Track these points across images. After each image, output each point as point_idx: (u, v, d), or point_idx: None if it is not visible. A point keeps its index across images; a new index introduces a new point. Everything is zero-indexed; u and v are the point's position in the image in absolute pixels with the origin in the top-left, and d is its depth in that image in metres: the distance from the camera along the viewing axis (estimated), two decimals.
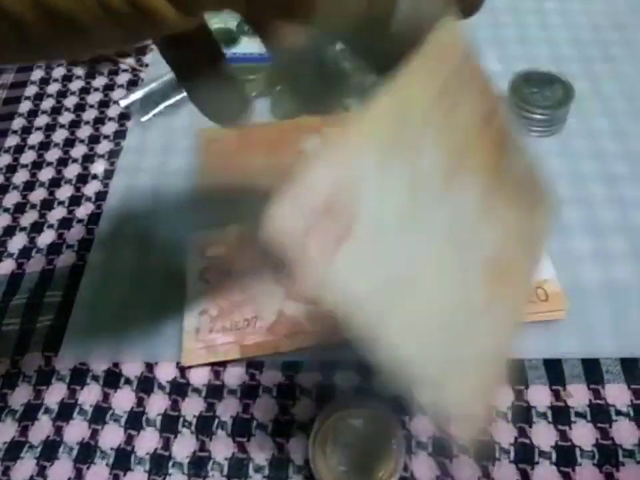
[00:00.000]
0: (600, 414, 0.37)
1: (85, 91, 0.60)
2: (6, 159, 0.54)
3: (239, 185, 0.49)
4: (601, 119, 0.51)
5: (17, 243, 0.49)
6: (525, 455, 0.36)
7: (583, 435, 0.37)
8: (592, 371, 0.39)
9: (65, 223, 0.49)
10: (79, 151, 0.54)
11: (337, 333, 0.36)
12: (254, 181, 0.49)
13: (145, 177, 0.51)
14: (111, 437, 0.39)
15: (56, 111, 0.58)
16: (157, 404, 0.40)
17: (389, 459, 0.35)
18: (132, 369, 0.41)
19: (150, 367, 0.41)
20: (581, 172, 0.48)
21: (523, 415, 0.37)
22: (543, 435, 0.37)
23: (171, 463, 0.37)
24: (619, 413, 0.37)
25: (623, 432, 0.36)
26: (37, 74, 0.62)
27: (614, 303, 0.41)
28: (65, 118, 0.57)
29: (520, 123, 0.50)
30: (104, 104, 0.58)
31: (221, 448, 0.38)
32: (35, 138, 0.56)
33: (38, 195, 0.52)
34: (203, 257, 0.45)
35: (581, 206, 0.46)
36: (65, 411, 0.40)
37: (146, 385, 0.41)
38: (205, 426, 0.38)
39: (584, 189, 0.47)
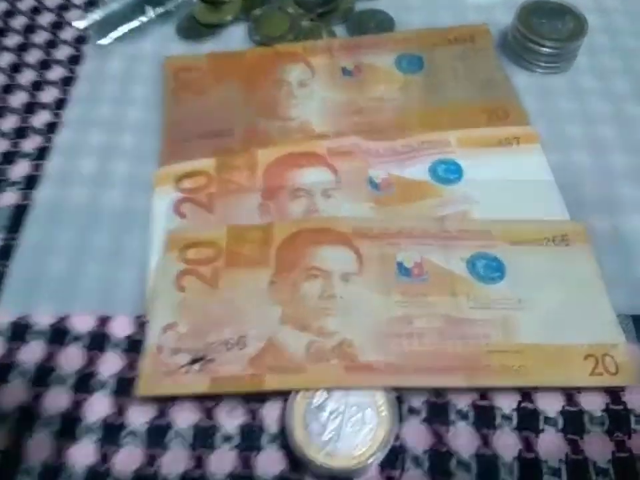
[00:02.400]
0: None
1: (35, 10, 0.53)
2: None
3: (213, 117, 0.43)
4: (613, 57, 0.47)
5: None
6: (528, 421, 0.32)
7: (590, 401, 0.33)
8: None
9: (9, 157, 0.43)
10: (27, 77, 0.48)
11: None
12: (230, 113, 0.43)
13: (103, 107, 0.46)
14: (56, 401, 0.33)
15: (1, 32, 0.51)
16: (111, 364, 0.35)
17: (377, 427, 0.31)
18: (82, 323, 0.36)
19: (103, 321, 0.36)
20: (591, 113, 0.44)
21: None
22: (549, 399, 0.33)
23: (124, 432, 0.32)
24: None
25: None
26: None
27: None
28: (12, 40, 0.50)
29: (526, 57, 0.45)
30: (57, 25, 0.51)
31: (185, 415, 0.33)
32: None
33: None
34: (174, 190, 0.40)
35: (591, 150, 0.42)
36: (2, 372, 0.34)
37: (98, 341, 0.35)
38: None
39: (594, 131, 0.43)
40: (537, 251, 0.36)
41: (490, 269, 0.36)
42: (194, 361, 0.33)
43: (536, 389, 0.33)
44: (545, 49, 0.44)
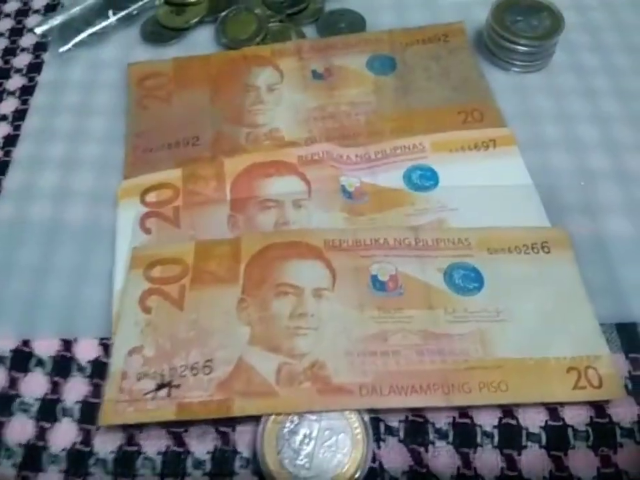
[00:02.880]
0: None
1: None
2: None
3: (178, 125, 0.42)
4: (590, 54, 0.45)
5: None
6: (510, 438, 0.31)
7: (574, 414, 0.32)
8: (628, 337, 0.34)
9: None
10: None
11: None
12: (197, 120, 0.42)
13: (63, 117, 0.44)
14: (19, 430, 0.32)
15: None
16: (76, 390, 0.33)
17: (352, 451, 0.29)
18: (45, 347, 0.35)
19: (68, 344, 0.34)
20: (570, 112, 0.42)
21: None
22: (532, 414, 0.32)
23: (91, 461, 0.31)
24: None
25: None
26: None
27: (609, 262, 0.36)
28: None
29: (501, 55, 0.43)
30: (16, 32, 0.49)
31: (154, 441, 0.31)
32: None
33: None
34: (139, 204, 0.38)
35: (570, 150, 0.41)
36: None
37: (62, 366, 0.34)
38: None
39: (573, 131, 0.41)
40: (516, 259, 0.35)
41: (468, 280, 0.34)
42: (159, 387, 0.31)
43: (517, 404, 0.32)
44: (520, 47, 0.42)
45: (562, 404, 0.32)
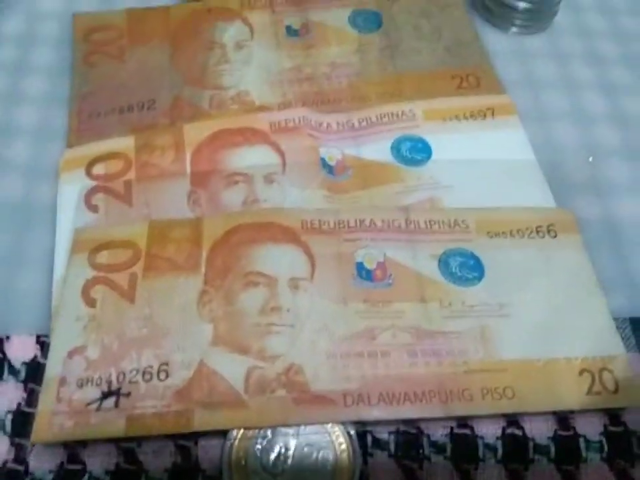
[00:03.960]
0: None
1: None
2: None
3: (132, 87, 0.36)
4: (596, 16, 0.41)
5: None
6: (516, 451, 0.27)
7: (585, 423, 0.28)
8: None
9: None
10: None
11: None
12: (153, 81, 0.36)
13: None
14: None
15: None
16: (8, 397, 0.28)
17: (335, 471, 0.25)
18: None
19: None
20: (575, 79, 0.38)
21: None
22: (539, 423, 0.28)
23: None
24: None
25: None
26: None
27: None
28: None
29: (499, 13, 0.39)
30: None
31: (100, 457, 0.27)
32: None
33: None
34: (85, 177, 0.33)
35: (575, 122, 0.37)
36: None
37: None
38: None
39: (578, 101, 0.37)
40: (520, 244, 0.31)
41: (466, 268, 0.30)
42: (105, 396, 0.26)
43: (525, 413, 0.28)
44: (521, 4, 0.38)
45: (572, 411, 0.28)
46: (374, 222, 0.31)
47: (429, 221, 0.31)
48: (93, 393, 0.27)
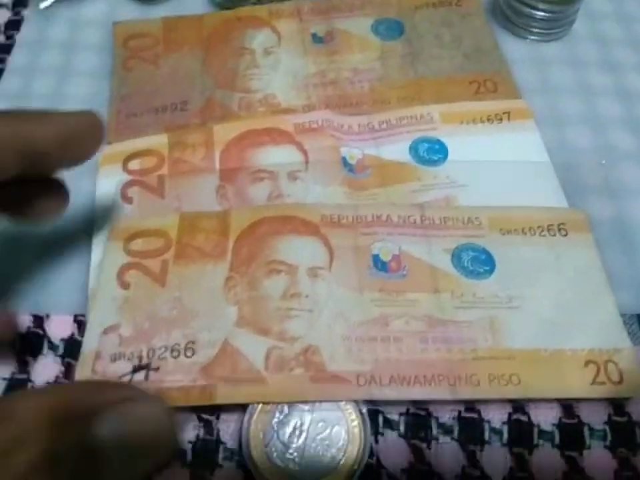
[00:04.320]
0: None
1: None
2: None
3: (166, 90, 0.38)
4: (613, 24, 0.42)
5: None
6: (521, 435, 0.28)
7: (590, 411, 0.29)
8: None
9: None
10: None
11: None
12: (186, 84, 0.39)
13: (43, 78, 0.41)
14: None
15: None
16: (47, 370, 0.30)
17: (347, 447, 0.27)
18: None
19: (39, 320, 0.31)
20: (591, 85, 0.39)
21: None
22: (544, 410, 0.29)
23: None
24: None
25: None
26: None
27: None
28: None
29: (518, 22, 0.40)
30: None
31: None
32: None
33: None
34: (122, 172, 0.35)
35: (590, 127, 0.38)
36: None
37: (32, 344, 0.31)
38: None
39: (593, 107, 0.38)
40: (531, 242, 0.32)
41: (477, 262, 0.31)
42: (136, 370, 0.28)
43: (530, 399, 0.29)
44: (539, 13, 0.39)
45: (577, 400, 0.29)
46: (390, 217, 0.33)
47: (444, 218, 0.33)
48: (125, 367, 0.28)
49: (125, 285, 0.31)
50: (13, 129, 0.23)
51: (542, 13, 0.39)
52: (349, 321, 0.29)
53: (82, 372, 0.28)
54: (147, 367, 0.28)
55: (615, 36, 0.42)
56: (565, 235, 0.32)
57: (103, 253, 0.32)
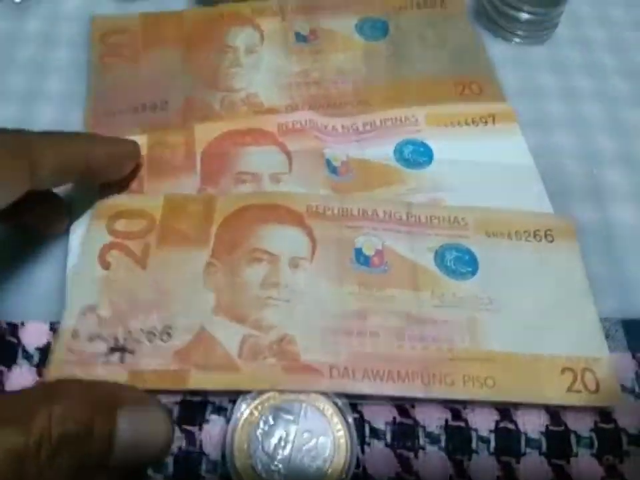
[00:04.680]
0: None
1: None
2: None
3: (145, 88, 0.37)
4: (596, 28, 0.42)
5: None
6: (508, 444, 0.28)
7: (578, 420, 0.29)
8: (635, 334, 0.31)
9: None
10: None
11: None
12: (166, 83, 0.38)
13: (17, 76, 0.39)
14: None
15: None
16: (21, 380, 0.29)
17: (334, 457, 0.26)
18: None
19: (13, 328, 0.30)
20: (575, 89, 0.39)
21: None
22: (531, 417, 0.28)
23: None
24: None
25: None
26: None
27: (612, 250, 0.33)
28: None
29: (502, 24, 0.40)
30: None
31: None
32: None
33: None
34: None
35: (574, 128, 0.38)
36: None
37: (6, 353, 0.30)
38: None
39: (576, 108, 0.38)
40: (516, 246, 0.32)
41: (461, 263, 0.31)
42: (112, 351, 0.28)
43: (516, 405, 0.28)
44: (523, 15, 0.39)
45: (564, 407, 0.29)
46: (376, 212, 0.32)
47: (430, 216, 0.32)
48: (101, 347, 0.28)
49: (105, 265, 0.30)
50: (76, 148, 0.29)
51: (526, 15, 0.39)
52: (326, 312, 0.29)
53: (58, 349, 0.28)
54: (122, 349, 0.28)
55: (598, 40, 0.42)
56: (551, 241, 0.32)
57: (85, 231, 0.31)
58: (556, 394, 0.28)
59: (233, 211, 0.32)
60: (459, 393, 0.28)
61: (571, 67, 0.40)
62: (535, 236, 0.32)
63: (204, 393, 0.28)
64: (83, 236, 0.31)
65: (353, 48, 0.39)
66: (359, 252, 0.31)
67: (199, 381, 0.27)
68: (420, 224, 0.32)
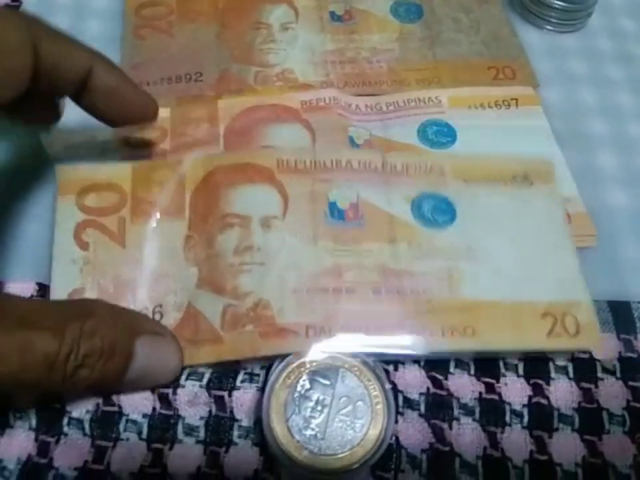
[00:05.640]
0: (632, 370, 0.29)
1: None
2: None
3: (180, 60, 0.37)
4: (629, 18, 0.43)
5: None
6: (541, 419, 0.28)
7: (611, 394, 0.29)
8: (622, 316, 0.31)
9: None
10: None
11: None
12: (201, 55, 0.37)
13: None
14: None
15: None
16: None
17: (370, 424, 0.26)
18: None
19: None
20: (607, 77, 0.39)
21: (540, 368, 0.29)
22: (564, 394, 0.28)
23: (66, 420, 0.27)
24: None
25: None
26: None
27: None
28: None
29: (536, 11, 0.40)
30: None
31: (134, 402, 0.27)
32: None
33: None
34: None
35: (606, 117, 0.38)
36: None
37: None
38: None
39: (607, 96, 0.39)
40: (494, 191, 0.31)
41: (438, 212, 0.31)
42: None
43: (548, 381, 0.28)
44: (558, 3, 0.39)
45: (597, 385, 0.29)
46: (350, 163, 0.31)
47: (406, 164, 0.32)
48: None
49: (83, 245, 0.29)
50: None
51: (561, 3, 0.39)
52: (301, 272, 0.29)
53: None
54: None
55: (631, 30, 0.42)
56: (531, 185, 0.31)
57: (56, 208, 0.30)
58: (537, 339, 0.28)
59: (202, 177, 0.31)
60: (439, 345, 0.27)
61: (603, 56, 0.40)
62: (513, 179, 0.31)
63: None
64: (54, 215, 0.30)
65: (387, 29, 0.40)
66: (332, 206, 0.30)
67: (191, 356, 0.27)
68: (396, 172, 0.31)
